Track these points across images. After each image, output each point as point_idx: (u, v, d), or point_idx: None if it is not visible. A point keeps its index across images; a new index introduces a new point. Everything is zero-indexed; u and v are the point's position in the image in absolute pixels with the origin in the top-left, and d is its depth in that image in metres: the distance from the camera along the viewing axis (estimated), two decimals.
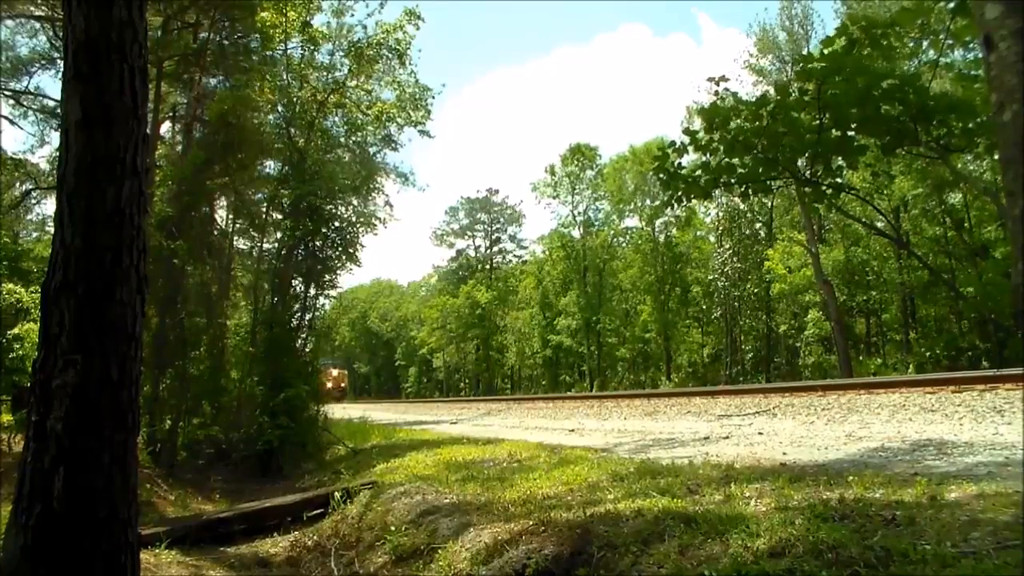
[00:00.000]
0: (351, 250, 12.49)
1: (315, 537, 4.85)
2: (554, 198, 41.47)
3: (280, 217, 12.42)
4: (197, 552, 4.66)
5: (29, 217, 18.31)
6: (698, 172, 5.16)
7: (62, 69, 2.54)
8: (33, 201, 17.51)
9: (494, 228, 56.07)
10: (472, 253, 56.91)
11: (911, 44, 5.17)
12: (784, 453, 4.57)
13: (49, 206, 17.57)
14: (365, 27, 14.41)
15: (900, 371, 22.47)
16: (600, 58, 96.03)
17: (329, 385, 42.01)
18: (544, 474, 4.31)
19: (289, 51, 13.31)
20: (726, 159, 4.94)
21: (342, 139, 14.90)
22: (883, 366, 24.01)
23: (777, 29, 27.98)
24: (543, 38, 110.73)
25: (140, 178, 2.51)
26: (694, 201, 6.80)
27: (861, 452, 4.33)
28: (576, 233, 40.71)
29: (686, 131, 5.15)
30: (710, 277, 33.42)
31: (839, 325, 23.17)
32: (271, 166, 13.19)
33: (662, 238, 35.94)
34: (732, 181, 5.08)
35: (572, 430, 8.34)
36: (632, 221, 39.20)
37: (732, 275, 31.70)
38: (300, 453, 10.11)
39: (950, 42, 4.40)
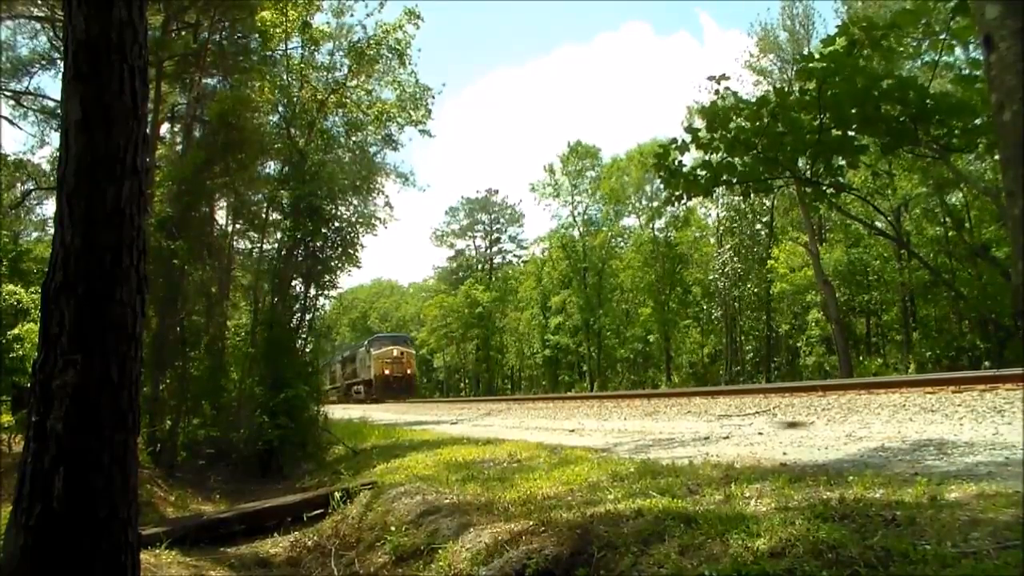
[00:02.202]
0: (351, 251, 12.50)
1: (315, 537, 4.85)
2: (555, 198, 41.50)
3: (280, 217, 12.42)
4: (197, 552, 4.66)
5: (29, 217, 18.34)
6: (699, 170, 5.17)
7: (62, 69, 2.54)
8: (33, 201, 17.57)
9: (494, 228, 56.13)
10: (472, 253, 56.96)
11: (913, 44, 5.17)
12: (784, 453, 4.56)
13: (49, 206, 17.61)
14: (365, 27, 14.45)
15: (900, 371, 22.47)
16: (602, 57, 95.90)
17: (385, 371, 28.03)
18: (544, 474, 4.30)
19: (289, 51, 13.33)
20: (727, 158, 4.94)
21: (342, 139, 14.92)
22: (884, 366, 24.02)
23: (778, 29, 28.05)
24: (544, 37, 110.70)
25: (140, 178, 2.51)
26: (694, 200, 6.81)
27: (861, 452, 4.33)
28: (576, 233, 40.75)
29: (688, 129, 5.15)
30: (711, 277, 33.43)
31: (839, 325, 23.17)
32: (271, 166, 13.22)
33: (662, 237, 35.95)
34: (733, 180, 5.09)
35: (572, 430, 8.33)
36: (631, 221, 39.26)
37: (733, 275, 31.71)
38: (300, 453, 10.12)
39: (953, 42, 4.40)
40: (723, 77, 5.13)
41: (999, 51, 1.36)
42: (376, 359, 28.84)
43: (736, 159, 4.94)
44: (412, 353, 32.08)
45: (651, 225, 36.58)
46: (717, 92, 5.05)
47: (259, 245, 12.94)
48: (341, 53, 14.24)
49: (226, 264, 12.08)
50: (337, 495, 5.30)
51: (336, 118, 14.62)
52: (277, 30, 12.60)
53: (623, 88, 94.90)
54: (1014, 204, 1.32)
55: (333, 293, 13.14)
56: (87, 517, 2.24)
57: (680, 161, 5.19)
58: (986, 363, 19.20)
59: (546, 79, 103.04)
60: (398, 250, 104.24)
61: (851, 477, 3.04)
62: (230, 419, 10.73)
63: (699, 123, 5.69)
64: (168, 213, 10.31)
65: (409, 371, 29.31)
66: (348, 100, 14.32)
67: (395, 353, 29.05)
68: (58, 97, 3.36)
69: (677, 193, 5.28)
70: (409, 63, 14.78)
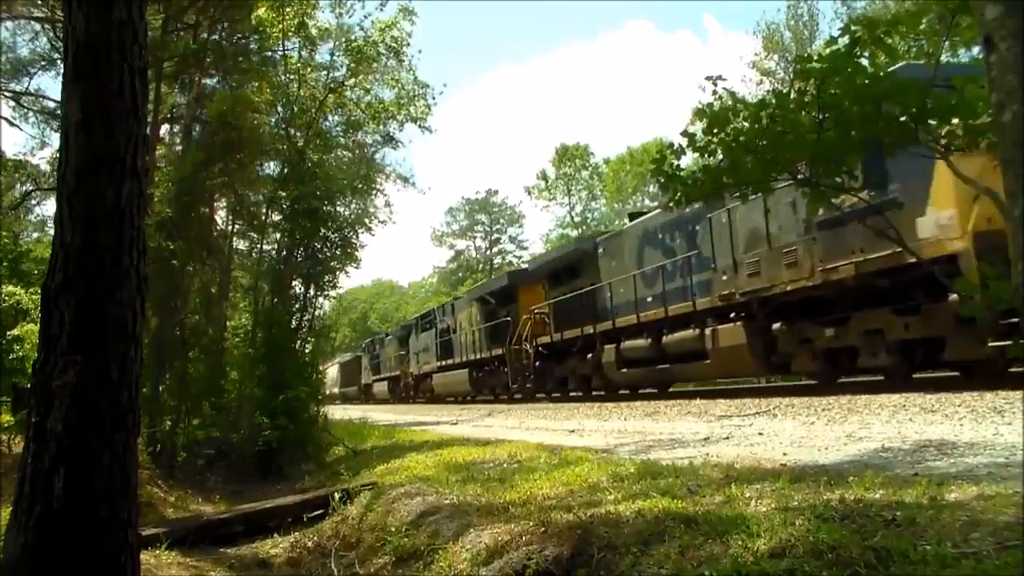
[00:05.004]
0: (350, 251, 12.49)
1: (315, 538, 4.85)
2: (551, 200, 41.57)
3: (279, 218, 12.42)
4: (197, 553, 4.66)
5: (29, 218, 18.37)
6: (698, 174, 5.16)
7: (62, 69, 2.55)
8: (33, 202, 17.59)
9: (494, 229, 56.14)
10: (472, 254, 56.94)
11: (915, 47, 5.17)
12: (784, 454, 4.56)
13: (49, 207, 17.63)
14: (363, 27, 14.46)
15: None
16: (605, 56, 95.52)
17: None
18: (544, 475, 4.30)
19: (287, 51, 13.33)
20: (725, 161, 4.93)
21: (341, 139, 14.92)
22: None
23: (783, 28, 28.14)
24: (546, 36, 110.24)
25: (140, 178, 2.52)
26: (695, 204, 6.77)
27: (861, 452, 4.33)
28: (574, 234, 40.79)
29: (684, 133, 5.14)
30: None
31: None
32: (270, 167, 13.23)
33: None
34: (732, 183, 5.08)
35: (572, 431, 8.33)
36: None
37: None
38: (300, 454, 10.10)
39: (956, 40, 4.39)
40: (719, 78, 5.10)
41: (999, 51, 1.36)
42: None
43: (735, 161, 4.93)
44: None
45: None
46: (715, 93, 5.02)
47: (258, 246, 12.95)
48: (339, 53, 14.26)
49: (226, 264, 12.09)
50: (337, 496, 5.30)
51: (336, 117, 14.64)
52: (275, 29, 12.58)
53: (627, 87, 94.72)
54: (1014, 204, 1.31)
55: (333, 293, 13.15)
56: (87, 517, 2.24)
57: (678, 165, 5.18)
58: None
59: (548, 77, 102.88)
60: (398, 250, 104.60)
61: (851, 478, 3.04)
62: (230, 419, 10.73)
63: (698, 124, 5.69)
64: (168, 213, 10.31)
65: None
66: (347, 100, 14.32)
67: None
68: (58, 97, 3.36)
69: (676, 198, 5.27)
70: (407, 61, 14.80)
